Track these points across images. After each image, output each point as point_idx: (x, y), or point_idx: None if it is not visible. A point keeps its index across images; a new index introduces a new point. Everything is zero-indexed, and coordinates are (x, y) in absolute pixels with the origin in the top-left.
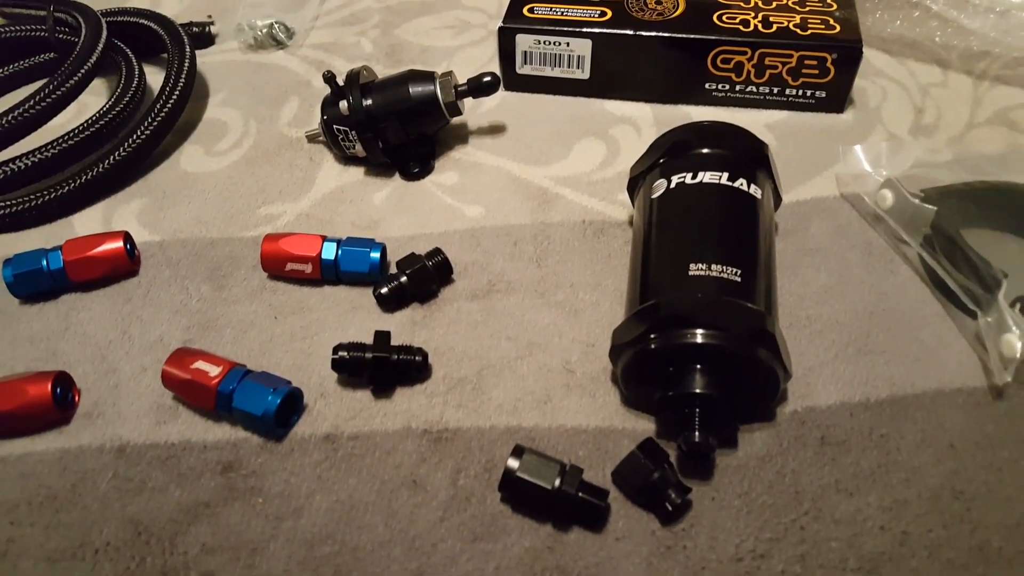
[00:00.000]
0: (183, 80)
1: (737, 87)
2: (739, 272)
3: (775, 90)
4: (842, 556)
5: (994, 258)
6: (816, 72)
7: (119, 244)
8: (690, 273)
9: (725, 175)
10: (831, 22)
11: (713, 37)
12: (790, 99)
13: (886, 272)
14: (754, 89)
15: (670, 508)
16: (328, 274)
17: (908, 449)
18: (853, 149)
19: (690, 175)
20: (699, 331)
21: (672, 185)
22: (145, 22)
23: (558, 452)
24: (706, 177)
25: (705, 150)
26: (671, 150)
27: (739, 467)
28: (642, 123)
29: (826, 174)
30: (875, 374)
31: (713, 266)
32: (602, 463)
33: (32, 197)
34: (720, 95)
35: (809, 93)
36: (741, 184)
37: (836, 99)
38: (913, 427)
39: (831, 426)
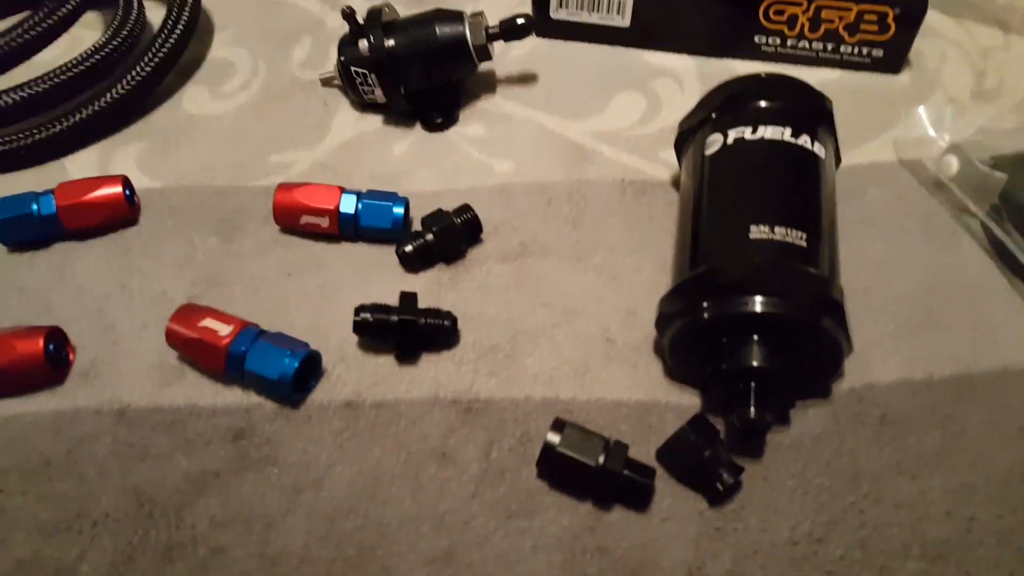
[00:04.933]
0: (187, 14)
1: (788, 42)
2: (805, 236)
3: (829, 47)
4: (905, 542)
5: None
6: (875, 28)
7: (118, 189)
8: (751, 236)
9: (788, 131)
10: None
11: None
12: (844, 57)
13: (948, 243)
14: (807, 45)
15: (721, 488)
16: (347, 229)
17: (974, 431)
18: (916, 111)
19: (749, 130)
20: (759, 298)
21: (729, 141)
22: None
23: (598, 426)
24: (767, 132)
25: (765, 103)
26: (726, 104)
27: (792, 445)
28: (685, 77)
29: (882, 138)
30: (937, 351)
31: (777, 228)
32: (645, 439)
33: (21, 136)
34: (770, 50)
35: (865, 51)
36: (805, 141)
37: (894, 59)
38: (979, 408)
39: (891, 404)
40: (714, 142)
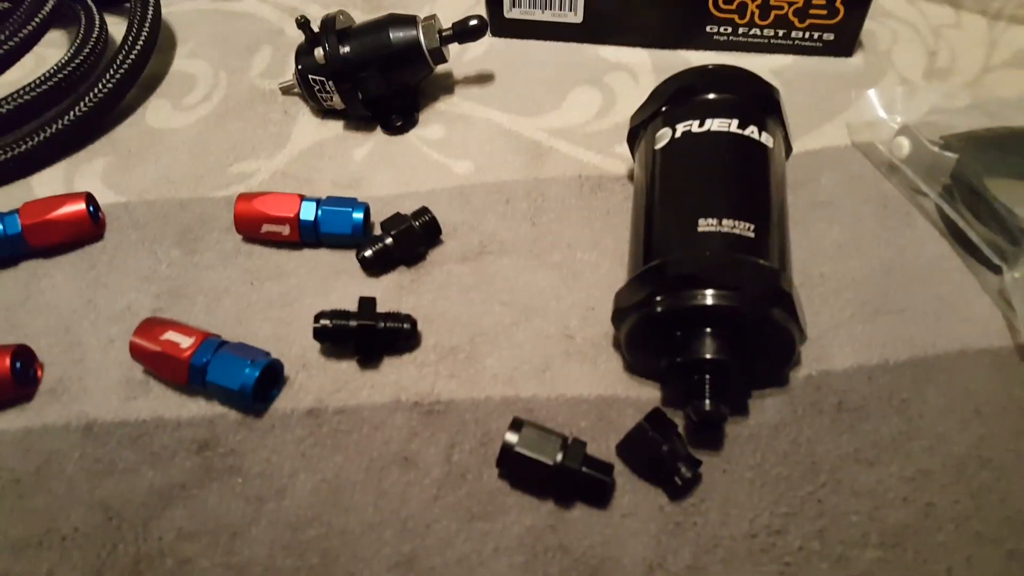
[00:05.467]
0: (147, 29)
1: (740, 30)
2: (752, 227)
3: (780, 33)
4: (863, 531)
5: (1020, 208)
6: (824, 13)
7: (81, 206)
8: (699, 229)
9: (735, 122)
10: None
11: None
12: (796, 42)
13: (903, 226)
14: (758, 32)
15: (679, 482)
16: (307, 236)
17: (931, 415)
18: (866, 94)
19: (697, 123)
20: (709, 292)
21: (677, 134)
22: None
23: (558, 423)
24: (714, 125)
25: (712, 96)
26: (675, 97)
27: (751, 437)
28: (639, 70)
29: (836, 121)
30: (894, 335)
31: (724, 220)
32: (605, 434)
33: None
34: (722, 39)
35: (816, 36)
36: (752, 132)
37: (845, 42)
38: (936, 391)
39: (848, 391)
40: (663, 136)
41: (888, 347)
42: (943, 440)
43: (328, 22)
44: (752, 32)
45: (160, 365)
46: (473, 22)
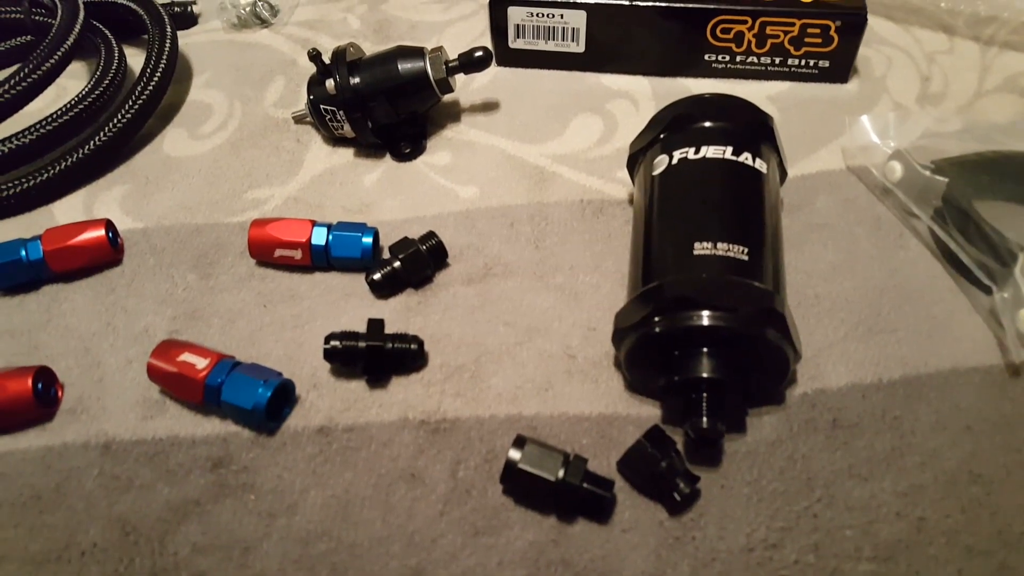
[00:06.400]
0: (164, 61)
1: (738, 58)
2: (746, 250)
3: (777, 60)
4: (857, 544)
5: (1009, 230)
6: (819, 41)
7: (101, 232)
8: (695, 252)
9: (729, 149)
10: None
11: (712, 6)
12: (792, 69)
13: (896, 247)
14: (755, 60)
15: (678, 498)
16: (319, 260)
17: (923, 431)
18: (859, 120)
19: (692, 150)
20: (705, 313)
21: (674, 161)
22: (124, 2)
23: (560, 440)
24: (709, 152)
25: (707, 123)
26: (672, 124)
27: (748, 453)
28: (640, 97)
29: (831, 146)
30: (887, 354)
31: (719, 244)
32: (606, 451)
33: (10, 185)
34: (720, 67)
35: (812, 63)
36: (746, 158)
37: (840, 68)
38: (928, 408)
39: (842, 409)
40: (661, 162)
41: (881, 365)
42: (935, 456)
43: (339, 54)
44: (749, 60)
45: (176, 385)
46: (478, 54)
